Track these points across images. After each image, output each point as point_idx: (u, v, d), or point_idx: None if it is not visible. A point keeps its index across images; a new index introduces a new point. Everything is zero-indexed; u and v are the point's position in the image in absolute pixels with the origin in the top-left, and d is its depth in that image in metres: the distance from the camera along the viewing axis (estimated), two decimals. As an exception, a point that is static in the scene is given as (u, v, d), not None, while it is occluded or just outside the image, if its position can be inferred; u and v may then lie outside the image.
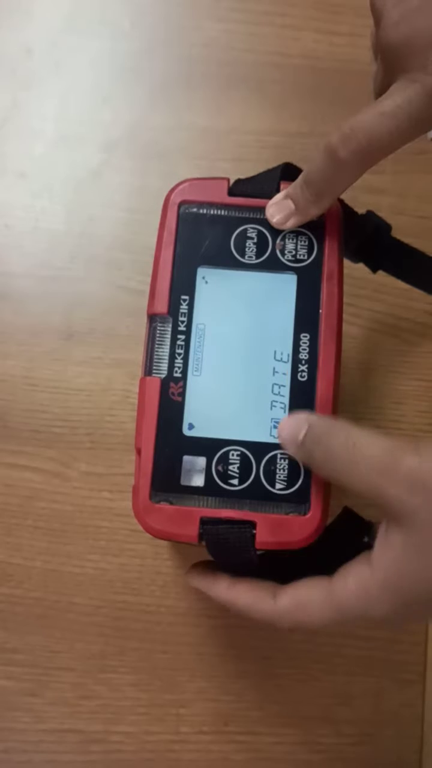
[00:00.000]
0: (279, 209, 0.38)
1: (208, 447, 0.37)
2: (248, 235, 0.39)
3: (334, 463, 0.34)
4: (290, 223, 0.38)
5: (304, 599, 0.34)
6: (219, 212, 0.39)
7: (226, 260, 0.39)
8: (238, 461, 0.37)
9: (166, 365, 0.38)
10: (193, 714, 0.48)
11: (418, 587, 0.32)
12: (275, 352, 0.38)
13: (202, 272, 0.39)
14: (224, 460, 0.37)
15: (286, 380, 0.38)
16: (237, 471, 0.37)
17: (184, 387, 0.38)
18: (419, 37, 0.34)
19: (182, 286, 0.38)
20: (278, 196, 0.39)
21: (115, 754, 0.48)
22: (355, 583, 0.33)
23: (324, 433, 0.34)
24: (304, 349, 0.38)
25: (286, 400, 0.37)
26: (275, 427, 0.37)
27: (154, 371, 0.38)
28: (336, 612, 0.34)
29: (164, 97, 0.56)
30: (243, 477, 0.37)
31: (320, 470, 0.35)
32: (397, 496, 0.31)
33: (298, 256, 0.39)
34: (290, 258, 0.39)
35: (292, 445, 0.35)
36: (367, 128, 0.35)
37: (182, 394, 0.37)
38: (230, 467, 0.37)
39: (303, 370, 0.38)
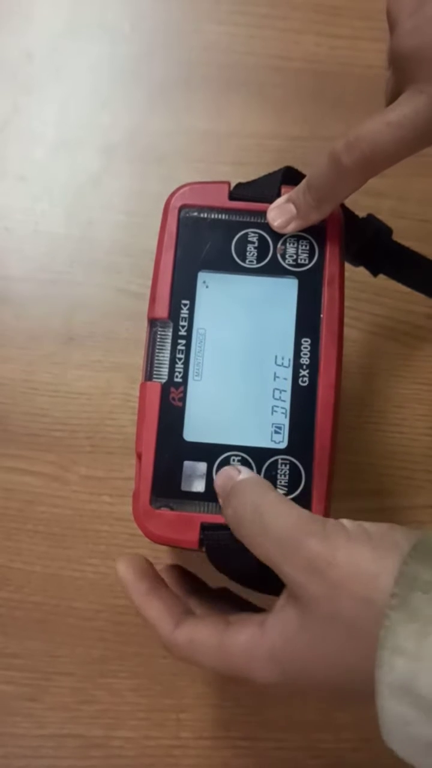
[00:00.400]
0: (280, 213, 0.38)
1: (208, 452, 0.37)
2: (249, 239, 0.39)
3: (241, 528, 0.33)
4: (291, 228, 0.38)
5: (198, 640, 0.33)
6: (220, 216, 0.39)
7: (227, 265, 0.39)
8: (238, 467, 0.37)
9: (167, 370, 0.38)
10: (193, 719, 0.48)
11: (302, 668, 0.31)
12: (276, 356, 0.38)
13: (202, 277, 0.39)
14: (225, 465, 0.37)
15: (287, 385, 0.37)
16: (238, 476, 0.36)
17: (184, 392, 0.37)
18: (431, 48, 0.34)
19: (183, 290, 0.38)
20: (280, 200, 0.39)
21: (115, 759, 0.47)
22: (244, 642, 0.32)
23: (235, 490, 0.34)
24: (305, 354, 0.38)
25: (287, 405, 0.37)
26: (276, 432, 0.37)
27: (154, 376, 0.38)
28: (222, 663, 0.33)
29: (164, 100, 0.56)
30: (244, 482, 0.36)
31: (232, 529, 0.34)
32: (296, 578, 0.30)
33: (299, 261, 0.39)
34: (291, 262, 0.38)
35: (221, 498, 0.35)
36: (371, 137, 0.35)
37: (183, 399, 0.37)
38: (231, 473, 0.37)
39: (304, 375, 0.38)
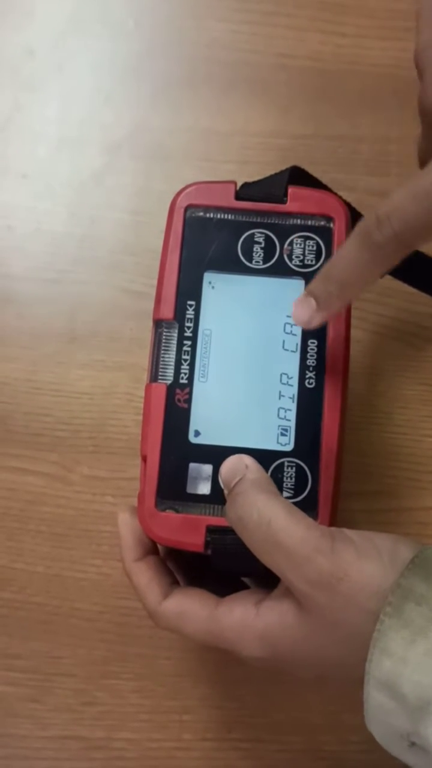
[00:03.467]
0: (301, 309, 0.36)
1: (214, 454, 0.37)
2: (255, 239, 0.39)
3: (244, 533, 0.33)
4: (315, 323, 0.36)
5: (188, 611, 0.35)
6: (226, 216, 0.39)
7: (233, 265, 0.38)
8: (244, 469, 0.36)
9: (172, 371, 0.37)
10: (196, 721, 0.48)
11: (293, 655, 0.33)
12: (282, 358, 0.37)
13: (208, 277, 0.38)
14: None
15: (294, 387, 0.37)
16: (244, 479, 0.36)
17: (190, 393, 0.37)
18: None
19: (189, 291, 0.38)
20: (300, 296, 0.37)
21: (118, 761, 0.47)
22: (238, 617, 0.34)
23: (241, 495, 0.34)
24: (312, 355, 0.38)
25: (294, 407, 0.37)
26: (282, 434, 0.37)
27: (160, 377, 0.37)
28: (209, 635, 0.34)
29: (167, 97, 0.55)
30: (250, 485, 0.36)
31: (237, 533, 0.34)
32: (303, 589, 0.31)
33: (305, 261, 0.38)
34: (298, 263, 0.38)
35: (225, 489, 0.35)
36: (403, 211, 0.32)
37: (188, 401, 0.37)
38: (237, 475, 0.36)
39: (311, 377, 0.37)
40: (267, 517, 0.32)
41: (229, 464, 0.36)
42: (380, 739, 0.32)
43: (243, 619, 0.33)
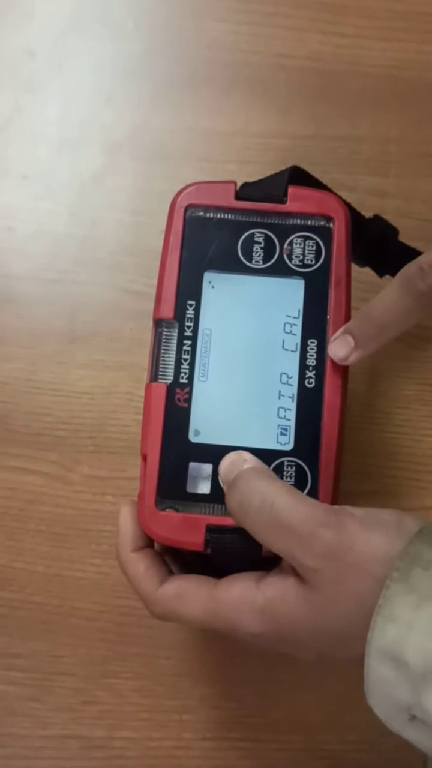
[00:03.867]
0: (340, 346, 0.38)
1: (214, 454, 0.37)
2: (255, 239, 0.39)
3: (247, 517, 0.33)
4: (352, 359, 0.38)
5: (186, 592, 0.35)
6: (226, 216, 0.39)
7: (233, 265, 0.38)
8: (244, 468, 0.36)
9: (172, 371, 0.38)
10: (196, 720, 0.48)
11: (295, 630, 0.33)
12: (282, 358, 0.38)
13: (208, 277, 0.38)
14: None
15: (294, 386, 0.37)
16: (244, 478, 0.36)
17: (190, 393, 0.37)
18: None
19: (189, 290, 0.38)
20: (338, 332, 0.38)
21: (118, 761, 0.47)
22: (237, 593, 0.34)
23: (241, 480, 0.34)
24: (312, 355, 0.38)
25: (294, 407, 0.37)
26: (282, 433, 0.37)
27: (160, 377, 0.38)
28: (208, 615, 0.34)
29: (168, 98, 0.55)
30: (250, 484, 0.36)
31: (235, 519, 0.34)
32: (309, 563, 0.32)
33: (305, 261, 0.38)
34: (298, 263, 0.38)
35: (224, 484, 0.36)
36: None
37: (188, 400, 0.37)
38: (237, 474, 0.36)
39: (310, 377, 0.37)
40: (270, 499, 0.32)
41: (228, 460, 0.36)
42: (380, 714, 0.32)
43: (243, 594, 0.34)
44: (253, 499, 0.33)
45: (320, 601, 0.32)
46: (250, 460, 0.35)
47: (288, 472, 0.37)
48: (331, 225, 0.39)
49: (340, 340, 0.37)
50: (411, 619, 0.29)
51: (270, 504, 0.32)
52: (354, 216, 0.42)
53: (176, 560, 0.39)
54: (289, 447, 0.37)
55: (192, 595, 0.35)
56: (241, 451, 0.36)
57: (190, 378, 0.37)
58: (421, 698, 0.30)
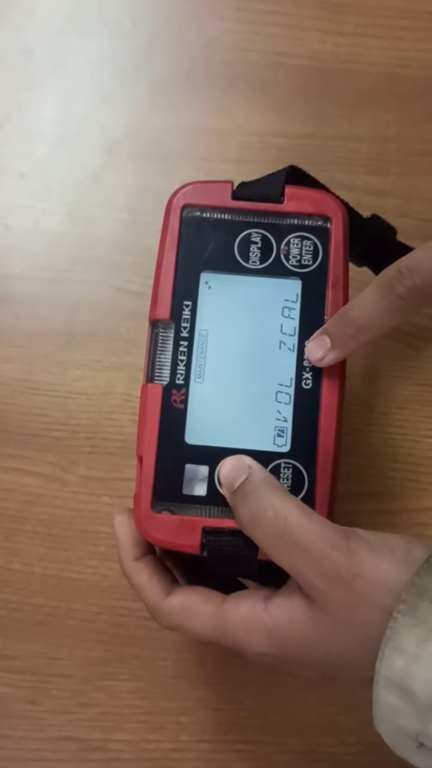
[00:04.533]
0: (316, 346, 0.37)
1: (210, 455, 0.36)
2: (252, 239, 0.38)
3: (258, 530, 0.33)
4: (328, 360, 0.37)
5: (193, 606, 0.35)
6: (223, 216, 0.39)
7: (230, 265, 0.38)
8: (241, 470, 0.36)
9: (169, 372, 0.37)
10: (193, 722, 0.47)
11: (301, 652, 0.33)
12: (279, 359, 0.37)
13: (205, 277, 0.38)
14: None
15: (291, 387, 0.37)
16: (240, 480, 0.36)
17: (186, 394, 0.37)
18: None
19: (185, 291, 0.38)
20: (315, 333, 0.38)
21: (115, 763, 0.47)
22: (245, 612, 0.34)
23: (254, 493, 0.34)
24: (309, 357, 0.37)
25: (291, 409, 0.37)
26: (279, 435, 0.37)
27: (156, 378, 0.37)
28: (215, 631, 0.34)
29: (166, 97, 0.55)
30: (246, 486, 0.36)
31: (244, 529, 0.34)
32: (317, 584, 0.32)
33: (302, 262, 0.38)
34: (295, 263, 0.38)
35: (227, 490, 0.35)
36: (424, 270, 0.35)
37: (184, 402, 0.37)
38: (233, 476, 0.36)
39: (307, 378, 0.37)
40: (283, 514, 0.32)
41: (230, 465, 0.35)
42: (388, 740, 0.32)
43: (251, 614, 0.34)
44: (267, 512, 0.33)
45: (327, 622, 0.32)
46: (254, 466, 0.35)
47: (285, 474, 0.36)
48: (328, 225, 0.38)
49: (316, 341, 0.37)
50: (418, 652, 0.30)
51: (283, 519, 0.32)
52: (352, 216, 0.41)
53: (178, 566, 0.39)
54: (285, 449, 0.37)
55: (199, 609, 0.35)
56: (241, 456, 0.36)
57: (187, 379, 0.37)
58: (428, 728, 0.30)
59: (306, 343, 0.37)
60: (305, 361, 0.37)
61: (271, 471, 0.36)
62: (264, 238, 0.38)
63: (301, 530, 0.32)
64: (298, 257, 0.38)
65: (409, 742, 0.31)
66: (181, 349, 0.37)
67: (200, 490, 0.36)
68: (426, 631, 0.30)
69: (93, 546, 0.49)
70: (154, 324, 0.38)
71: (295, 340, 0.38)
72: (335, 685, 0.46)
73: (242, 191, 0.39)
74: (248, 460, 0.35)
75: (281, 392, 0.37)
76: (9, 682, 0.48)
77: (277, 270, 0.38)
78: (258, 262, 0.38)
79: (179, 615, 0.35)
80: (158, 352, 0.38)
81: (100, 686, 0.48)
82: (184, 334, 0.38)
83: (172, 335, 0.38)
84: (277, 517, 0.32)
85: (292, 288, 0.38)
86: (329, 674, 0.34)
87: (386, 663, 0.30)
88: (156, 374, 0.37)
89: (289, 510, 0.33)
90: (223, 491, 0.36)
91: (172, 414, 0.37)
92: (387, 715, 0.31)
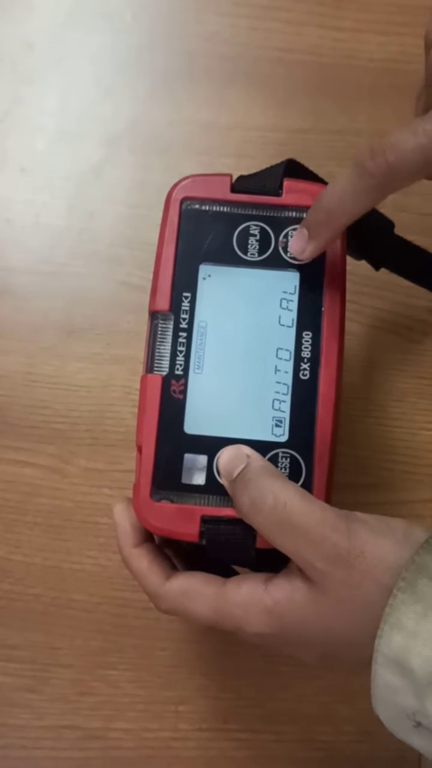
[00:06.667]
0: (295, 239, 0.38)
1: (209, 445, 0.37)
2: (251, 232, 0.39)
3: (258, 516, 0.34)
4: (308, 252, 0.37)
5: (193, 590, 0.35)
6: (221, 209, 0.39)
7: (229, 257, 0.38)
8: (239, 460, 0.36)
9: (168, 363, 0.38)
10: (192, 711, 0.48)
11: (301, 632, 0.33)
12: (277, 350, 0.38)
13: (204, 269, 0.38)
14: None
15: (288, 378, 0.37)
16: (238, 469, 0.36)
17: (185, 384, 0.37)
18: None
19: (184, 283, 0.38)
20: (299, 228, 0.38)
21: (114, 751, 0.47)
22: (245, 593, 0.34)
23: (253, 480, 0.34)
24: (307, 347, 0.38)
25: (288, 399, 0.37)
26: (277, 425, 0.37)
27: (155, 368, 0.38)
28: (215, 613, 0.34)
29: (166, 91, 0.55)
30: (244, 475, 0.36)
31: (244, 517, 0.34)
32: (318, 565, 0.32)
33: (301, 254, 0.38)
34: (292, 256, 0.38)
35: (226, 479, 0.36)
36: (398, 145, 0.34)
37: (184, 392, 0.37)
38: (231, 466, 0.36)
39: (305, 369, 0.37)
40: (283, 499, 0.33)
41: (229, 454, 0.36)
42: (386, 720, 0.32)
43: (251, 594, 0.34)
44: (267, 499, 0.33)
45: (328, 602, 0.32)
46: (252, 455, 0.35)
47: (282, 463, 0.37)
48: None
49: (296, 235, 0.37)
50: (417, 629, 0.30)
51: (283, 504, 0.33)
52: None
53: (177, 554, 0.39)
54: (283, 438, 0.37)
55: (199, 592, 0.35)
56: (240, 445, 0.36)
57: (186, 370, 0.37)
58: (425, 705, 0.30)
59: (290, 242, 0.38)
60: (303, 352, 0.38)
61: (270, 460, 0.36)
62: (262, 231, 0.39)
63: (302, 515, 0.32)
64: (297, 250, 0.38)
65: (407, 722, 0.31)
66: (180, 340, 0.38)
67: (199, 479, 0.37)
68: (425, 607, 0.30)
69: (93, 537, 0.49)
70: (154, 315, 0.38)
71: (292, 332, 0.38)
72: (332, 669, 0.47)
73: (241, 184, 0.39)
74: (246, 449, 0.36)
75: (279, 383, 0.37)
76: (9, 672, 0.48)
77: (276, 262, 0.38)
78: (256, 255, 0.38)
79: (180, 598, 0.35)
80: (157, 343, 0.38)
81: (100, 675, 0.48)
82: (183, 325, 0.38)
83: (171, 326, 0.38)
84: (276, 502, 0.33)
85: (290, 280, 0.38)
86: (329, 655, 0.35)
87: (385, 641, 0.31)
88: (155, 365, 0.38)
89: (288, 495, 0.33)
90: (222, 480, 0.36)
91: (172, 404, 0.37)
92: (385, 695, 0.31)
